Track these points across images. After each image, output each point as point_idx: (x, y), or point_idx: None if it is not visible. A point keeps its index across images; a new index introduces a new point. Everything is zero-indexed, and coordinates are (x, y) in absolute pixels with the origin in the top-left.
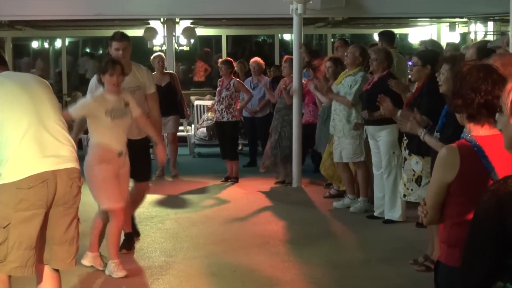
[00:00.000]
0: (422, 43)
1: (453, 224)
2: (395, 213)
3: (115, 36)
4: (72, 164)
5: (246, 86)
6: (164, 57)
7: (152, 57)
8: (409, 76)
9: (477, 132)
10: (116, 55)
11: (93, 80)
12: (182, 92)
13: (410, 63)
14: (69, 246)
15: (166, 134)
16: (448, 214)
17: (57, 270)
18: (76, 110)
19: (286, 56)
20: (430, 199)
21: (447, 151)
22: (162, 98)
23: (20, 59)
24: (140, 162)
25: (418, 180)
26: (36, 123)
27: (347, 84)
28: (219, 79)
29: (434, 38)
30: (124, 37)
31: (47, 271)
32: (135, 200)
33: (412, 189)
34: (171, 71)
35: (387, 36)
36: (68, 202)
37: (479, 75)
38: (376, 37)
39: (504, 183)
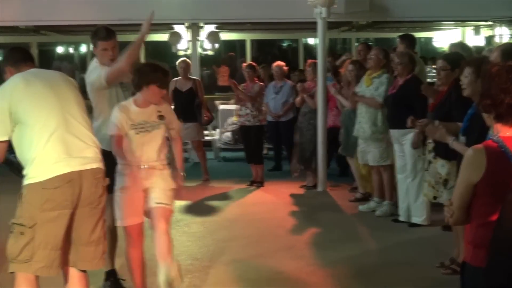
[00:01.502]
0: (452, 46)
1: (479, 224)
2: (421, 217)
3: (99, 34)
4: (97, 164)
5: (262, 93)
6: (189, 62)
7: (177, 62)
8: (432, 80)
9: (504, 132)
10: (106, 56)
11: (93, 64)
12: (207, 96)
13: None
14: (96, 247)
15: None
16: (474, 214)
17: (84, 271)
18: (115, 128)
19: (309, 61)
20: (456, 200)
21: (474, 152)
22: (183, 104)
23: (50, 64)
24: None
25: (445, 183)
26: (63, 124)
27: (373, 86)
28: (243, 84)
29: None
30: (111, 33)
31: (75, 272)
32: None
33: (441, 191)
34: (195, 77)
35: (408, 40)
36: (93, 203)
37: (508, 76)
38: None
39: None
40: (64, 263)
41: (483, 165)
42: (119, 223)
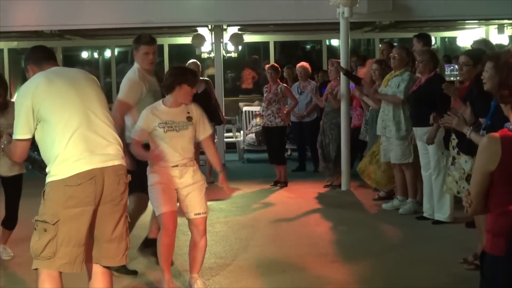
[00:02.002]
0: (475, 43)
1: (498, 213)
2: (444, 214)
3: (142, 39)
4: (119, 161)
5: (292, 93)
6: (199, 64)
7: (187, 64)
8: (456, 78)
9: None
10: (146, 60)
11: (131, 74)
12: (231, 99)
13: (448, 66)
14: (119, 243)
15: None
16: (493, 203)
17: (108, 268)
18: (139, 133)
19: (332, 60)
20: (473, 188)
21: (489, 140)
22: (200, 105)
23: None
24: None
25: (468, 179)
26: (85, 122)
27: (395, 84)
28: (266, 86)
29: None
30: (153, 40)
31: (98, 269)
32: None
33: (463, 187)
34: (206, 78)
35: (425, 39)
36: (115, 199)
37: None
38: None
39: None
40: (88, 260)
41: (498, 154)
42: (158, 212)
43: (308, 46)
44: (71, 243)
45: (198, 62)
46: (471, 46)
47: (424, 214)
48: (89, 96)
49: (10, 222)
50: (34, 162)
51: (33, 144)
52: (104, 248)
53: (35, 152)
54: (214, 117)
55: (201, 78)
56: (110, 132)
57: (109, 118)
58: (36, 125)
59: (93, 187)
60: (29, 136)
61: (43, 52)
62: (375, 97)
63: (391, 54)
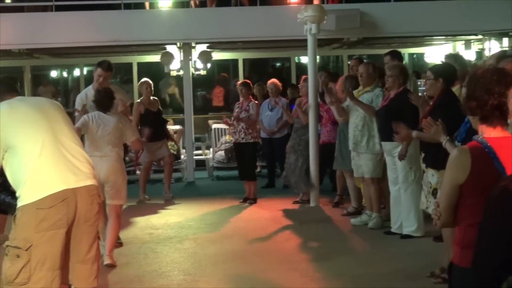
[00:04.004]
0: (446, 57)
1: (467, 225)
2: (412, 228)
3: (102, 64)
4: (91, 181)
5: (258, 111)
6: (151, 83)
7: (139, 83)
8: (423, 93)
9: (488, 133)
10: (97, 80)
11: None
12: (200, 116)
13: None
14: (92, 265)
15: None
16: (461, 215)
17: None
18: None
19: (304, 76)
20: (443, 201)
21: (459, 152)
22: (156, 123)
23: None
24: None
25: (434, 193)
26: (52, 141)
27: (367, 100)
28: (238, 102)
29: None
30: (110, 68)
31: None
32: None
33: (430, 201)
34: (156, 98)
35: (396, 55)
36: (90, 220)
37: (492, 77)
38: None
39: None
40: (63, 283)
41: (468, 166)
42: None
43: (278, 64)
44: (45, 267)
45: (150, 81)
46: (441, 61)
47: (392, 229)
48: (55, 117)
49: None
50: (9, 207)
51: (5, 190)
52: (77, 269)
53: (9, 196)
54: (166, 134)
55: (152, 97)
56: (79, 150)
57: (77, 138)
58: (3, 155)
59: (65, 209)
60: None
61: (4, 85)
62: (352, 102)
63: (358, 71)
